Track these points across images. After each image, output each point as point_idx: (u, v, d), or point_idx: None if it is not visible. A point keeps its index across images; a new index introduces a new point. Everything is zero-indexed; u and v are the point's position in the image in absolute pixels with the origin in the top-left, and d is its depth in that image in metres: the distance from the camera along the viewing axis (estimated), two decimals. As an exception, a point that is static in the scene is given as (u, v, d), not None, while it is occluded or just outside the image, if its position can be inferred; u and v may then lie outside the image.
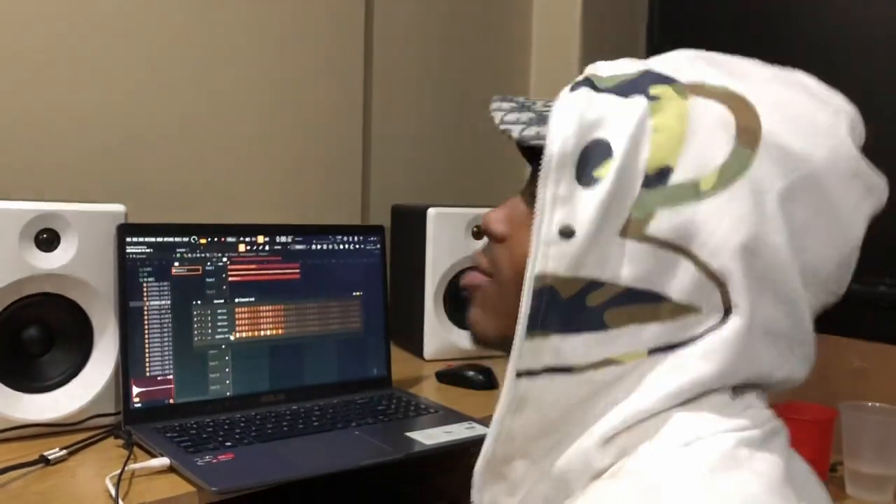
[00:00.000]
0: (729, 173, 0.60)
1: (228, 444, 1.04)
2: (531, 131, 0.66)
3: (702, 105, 0.61)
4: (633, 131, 0.60)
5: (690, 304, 0.61)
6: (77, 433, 1.07)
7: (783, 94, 0.64)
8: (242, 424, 1.11)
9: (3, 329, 1.06)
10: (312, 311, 1.28)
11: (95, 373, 1.12)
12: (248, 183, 1.62)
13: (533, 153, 0.69)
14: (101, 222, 1.11)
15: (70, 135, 1.38)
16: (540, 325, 0.61)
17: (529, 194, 0.68)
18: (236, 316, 1.20)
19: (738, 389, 0.64)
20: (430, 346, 1.58)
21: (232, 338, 1.20)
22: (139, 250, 1.13)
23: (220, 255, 1.19)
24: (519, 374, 0.63)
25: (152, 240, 1.14)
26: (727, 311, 0.61)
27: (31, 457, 0.97)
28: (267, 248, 1.24)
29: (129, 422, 1.09)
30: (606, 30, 2.11)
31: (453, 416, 1.20)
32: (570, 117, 0.62)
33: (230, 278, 1.20)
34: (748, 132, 0.60)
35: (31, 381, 1.09)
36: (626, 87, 0.63)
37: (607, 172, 0.60)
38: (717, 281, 0.60)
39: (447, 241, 1.58)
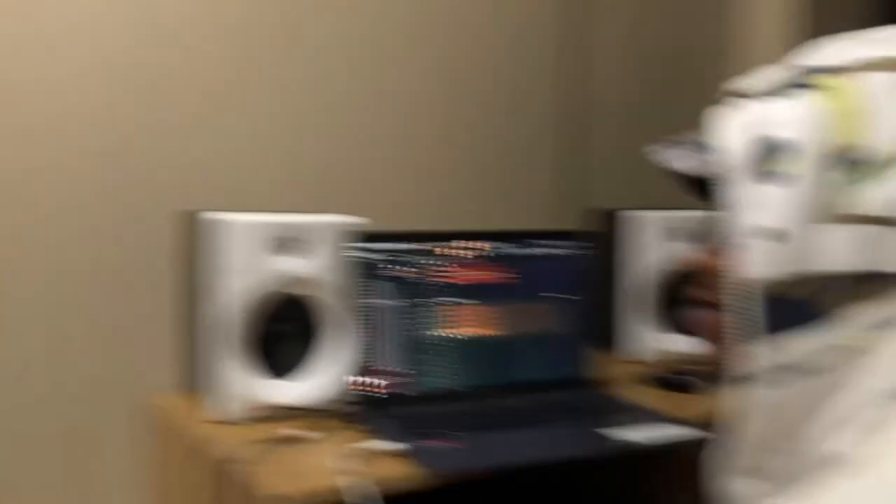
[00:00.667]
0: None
1: (454, 432, 1.13)
2: (693, 161, 0.68)
3: (872, 80, 0.61)
4: (812, 120, 0.61)
5: None
6: (317, 418, 1.20)
7: None
8: (465, 415, 1.20)
9: (256, 323, 1.21)
10: (524, 313, 1.35)
11: (333, 364, 1.25)
12: (467, 190, 1.72)
13: (700, 185, 0.71)
14: (338, 232, 1.24)
15: (310, 152, 1.54)
16: (765, 329, 0.62)
17: (718, 216, 0.68)
18: (458, 315, 1.30)
19: None
20: (638, 348, 1.61)
21: (454, 335, 1.29)
22: (370, 255, 1.25)
23: (442, 259, 1.30)
24: (749, 379, 0.63)
25: (384, 246, 1.26)
26: None
27: (280, 435, 1.11)
28: (484, 253, 1.33)
29: (364, 409, 1.21)
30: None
31: (660, 418, 1.23)
32: (734, 125, 0.63)
33: (452, 280, 1.30)
34: None
35: (278, 369, 1.23)
36: (785, 89, 0.64)
37: (796, 165, 0.60)
38: None
39: (649, 244, 1.60)
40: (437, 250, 1.30)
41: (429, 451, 1.05)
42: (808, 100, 0.62)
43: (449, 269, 1.30)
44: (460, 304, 1.30)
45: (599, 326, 1.73)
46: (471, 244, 1.32)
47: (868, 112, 0.60)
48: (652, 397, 1.37)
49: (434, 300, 1.29)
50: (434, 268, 1.29)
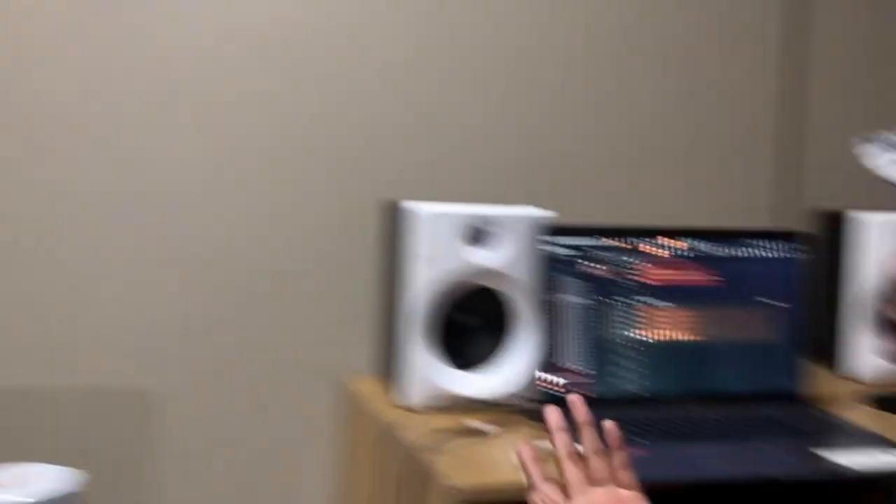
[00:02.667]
0: None
1: (642, 440, 1.07)
2: None
3: None
4: None
5: None
6: (500, 412, 1.18)
7: None
8: (655, 422, 1.14)
9: (446, 314, 1.22)
10: (727, 318, 1.26)
11: (518, 359, 1.23)
12: (663, 186, 1.64)
13: None
14: (529, 224, 1.22)
15: (501, 145, 1.53)
16: None
17: None
18: (651, 317, 1.23)
19: None
20: (864, 367, 1.45)
21: (646, 338, 1.23)
22: (560, 250, 1.21)
23: (637, 257, 1.24)
24: None
25: (573, 241, 1.22)
26: None
27: (461, 426, 1.10)
28: (684, 252, 1.25)
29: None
30: None
31: (880, 442, 1.10)
32: None
33: (646, 280, 1.23)
34: None
35: (465, 360, 1.23)
36: None
37: None
38: None
39: (876, 250, 1.44)
40: (633, 247, 1.24)
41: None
42: None
43: (644, 267, 1.24)
44: (654, 305, 1.23)
45: (815, 338, 1.58)
46: (669, 241, 1.25)
47: None
48: (872, 419, 1.23)
49: (626, 299, 1.23)
50: (628, 265, 1.23)
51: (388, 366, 1.29)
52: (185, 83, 1.36)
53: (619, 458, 0.78)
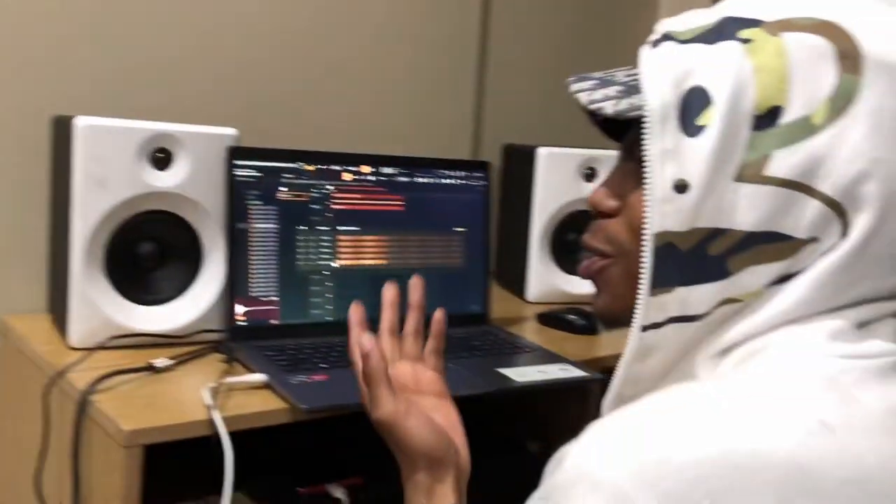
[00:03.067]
0: (839, 103, 0.59)
1: (324, 366, 1.06)
2: (625, 103, 0.66)
3: (796, 40, 0.60)
4: (734, 75, 0.60)
5: (811, 237, 0.61)
6: (183, 346, 1.11)
7: (872, 11, 0.61)
8: (339, 349, 1.13)
9: (120, 243, 1.11)
10: (414, 244, 1.28)
11: (203, 290, 1.16)
12: (359, 113, 1.62)
13: (618, 127, 0.71)
14: (214, 144, 1.14)
15: (189, 59, 1.42)
16: (663, 281, 0.62)
17: (630, 161, 0.69)
18: (339, 244, 1.22)
19: (864, 323, 0.62)
20: (535, 288, 1.56)
21: (335, 264, 1.21)
22: (247, 173, 1.15)
23: (325, 182, 1.21)
24: (644, 328, 0.64)
25: (260, 164, 1.16)
26: (843, 235, 0.61)
27: (140, 364, 1.02)
28: (372, 178, 1.24)
29: (232, 339, 1.13)
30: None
31: (550, 357, 1.18)
32: (662, 71, 0.62)
33: (334, 206, 1.21)
34: (849, 58, 0.59)
35: (144, 293, 1.14)
36: (711, 36, 0.62)
37: (712, 119, 0.59)
38: (839, 210, 0.60)
39: (557, 183, 1.54)
40: (321, 171, 1.21)
41: (293, 386, 0.98)
42: (730, 51, 0.61)
43: (331, 192, 1.21)
44: (341, 231, 1.22)
45: (501, 264, 1.68)
46: (357, 167, 1.23)
47: (785, 72, 0.59)
48: (548, 337, 1.33)
49: (313, 226, 1.20)
50: (315, 191, 1.20)
51: (58, 303, 1.16)
52: None
53: (434, 343, 0.90)
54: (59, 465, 1.00)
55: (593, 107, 0.67)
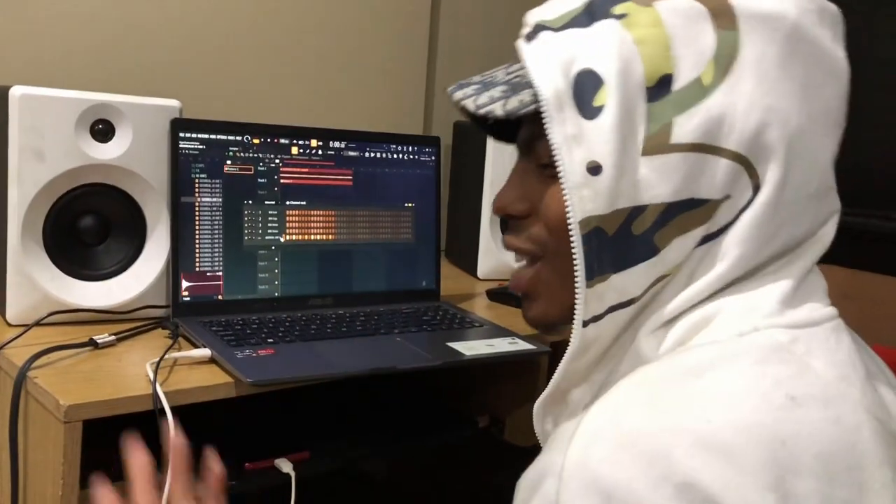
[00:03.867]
0: (724, 60, 0.60)
1: (270, 340, 1.05)
2: (514, 102, 0.64)
3: (668, 7, 0.61)
4: (618, 51, 0.60)
5: (726, 195, 0.61)
6: (126, 322, 1.09)
7: None
8: (287, 324, 1.12)
9: (60, 217, 1.08)
10: (364, 219, 1.27)
11: (147, 265, 1.14)
12: (308, 88, 1.61)
13: (508, 128, 0.69)
14: (156, 116, 1.11)
15: (132, 30, 1.39)
16: (598, 270, 0.61)
17: (527, 160, 0.68)
18: (287, 218, 1.20)
19: (801, 280, 0.64)
20: (485, 265, 1.57)
21: (282, 239, 1.20)
22: (192, 146, 1.13)
23: (272, 156, 1.19)
24: (586, 323, 0.63)
25: (205, 136, 1.14)
26: (756, 189, 0.62)
27: (81, 340, 1.00)
28: (320, 152, 1.23)
29: (177, 314, 1.11)
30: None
31: (498, 332, 1.19)
32: (548, 61, 0.61)
33: (282, 180, 1.20)
34: (723, 15, 0.60)
35: (86, 268, 1.11)
36: (584, 18, 0.62)
37: (607, 98, 0.59)
38: (747, 164, 0.61)
39: (508, 161, 1.54)
40: (268, 144, 1.19)
41: (237, 360, 0.97)
42: (609, 29, 0.61)
43: (279, 166, 1.20)
44: (288, 205, 1.21)
45: (452, 241, 1.68)
46: (305, 141, 1.22)
47: (666, 40, 0.60)
48: (499, 313, 1.33)
49: (259, 200, 1.18)
50: (262, 164, 1.19)
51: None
52: None
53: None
54: (-5, 444, 0.97)
55: (482, 111, 0.65)
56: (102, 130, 1.08)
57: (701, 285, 0.62)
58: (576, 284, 0.62)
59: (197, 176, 1.14)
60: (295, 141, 1.21)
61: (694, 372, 0.57)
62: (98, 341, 1.01)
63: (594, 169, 0.59)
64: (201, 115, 1.17)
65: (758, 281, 0.62)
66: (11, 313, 1.05)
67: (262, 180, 1.18)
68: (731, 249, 0.62)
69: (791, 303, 0.61)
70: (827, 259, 0.66)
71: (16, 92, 1.02)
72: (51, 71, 1.29)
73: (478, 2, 1.84)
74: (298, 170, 1.21)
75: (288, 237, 1.20)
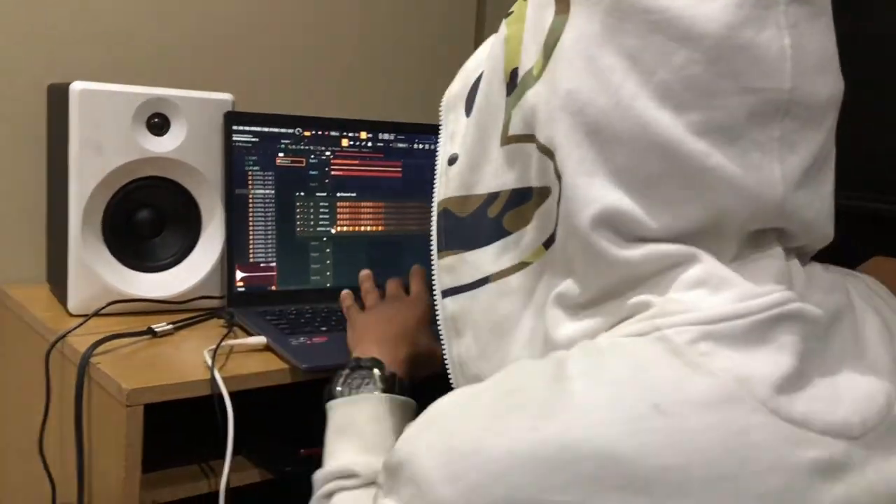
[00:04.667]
0: (549, 48, 0.59)
1: (323, 329, 1.06)
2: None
3: (531, 1, 0.62)
4: (490, 51, 0.65)
5: (545, 186, 0.60)
6: (182, 312, 1.11)
7: None
8: (339, 314, 1.13)
9: (118, 209, 1.11)
10: (412, 211, 1.28)
11: (203, 256, 1.16)
12: (358, 80, 1.62)
13: None
14: (210, 109, 1.13)
15: (183, 24, 1.41)
16: (446, 244, 0.68)
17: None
18: (337, 210, 1.21)
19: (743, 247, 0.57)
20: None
21: (333, 231, 1.21)
22: (245, 139, 1.15)
23: (323, 148, 1.20)
24: (444, 294, 0.69)
25: (258, 129, 1.16)
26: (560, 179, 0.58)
27: (139, 329, 1.02)
28: (370, 144, 1.24)
29: (232, 304, 1.13)
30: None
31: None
32: (461, 71, 0.71)
33: (332, 172, 1.21)
34: (562, 0, 0.59)
35: (143, 260, 1.14)
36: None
37: (477, 96, 0.66)
38: (548, 152, 0.59)
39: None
40: (319, 137, 1.20)
41: (293, 347, 0.98)
42: (500, 27, 0.65)
43: (329, 158, 1.21)
44: (338, 197, 1.22)
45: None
46: (355, 133, 1.23)
47: (522, 33, 0.61)
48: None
49: (310, 192, 1.20)
50: (314, 156, 1.20)
51: (57, 271, 1.16)
52: None
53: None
54: (60, 428, 1.00)
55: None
56: (158, 124, 1.11)
57: (589, 284, 0.58)
58: (433, 259, 0.69)
59: (250, 168, 1.15)
60: (345, 133, 1.22)
61: (565, 378, 0.53)
62: (156, 330, 1.03)
63: (451, 160, 0.67)
64: (253, 108, 1.19)
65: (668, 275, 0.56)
66: (73, 304, 1.08)
67: (314, 172, 1.20)
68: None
69: (711, 295, 0.54)
70: (886, 250, 0.62)
71: (76, 87, 1.05)
72: (105, 67, 1.31)
73: None
74: (349, 161, 1.22)
75: (339, 228, 1.22)
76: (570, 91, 0.56)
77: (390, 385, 0.82)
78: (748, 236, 0.57)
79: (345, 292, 1.04)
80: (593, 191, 0.55)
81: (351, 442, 0.78)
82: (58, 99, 1.12)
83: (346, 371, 0.84)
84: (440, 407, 0.58)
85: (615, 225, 0.55)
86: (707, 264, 0.55)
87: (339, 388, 0.82)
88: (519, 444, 0.50)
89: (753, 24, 0.52)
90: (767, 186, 0.54)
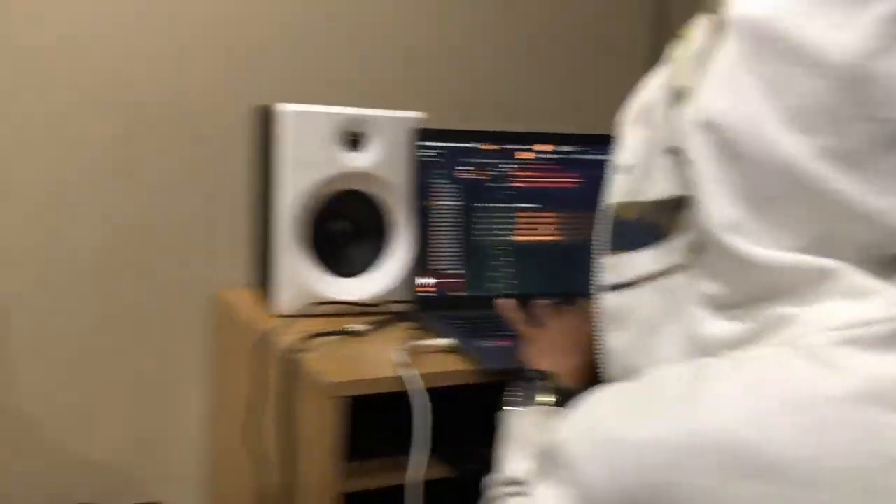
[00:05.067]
0: (703, 68, 0.62)
1: (508, 333, 1.11)
2: None
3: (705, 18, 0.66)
4: (665, 69, 0.70)
5: (691, 196, 0.63)
6: (373, 315, 1.19)
7: None
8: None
9: (319, 220, 1.21)
10: (590, 221, 1.30)
11: (393, 263, 1.24)
12: (535, 91, 1.66)
13: None
14: (401, 126, 1.22)
15: (376, 46, 1.51)
16: (612, 245, 0.71)
17: None
18: (517, 220, 1.26)
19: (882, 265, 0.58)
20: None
21: (513, 240, 1.26)
22: (432, 153, 1.22)
23: (503, 161, 1.26)
24: (603, 290, 0.72)
25: (444, 144, 1.22)
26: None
27: (336, 329, 1.11)
28: (548, 155, 1.28)
29: (420, 308, 1.20)
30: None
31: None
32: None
33: (512, 183, 1.26)
34: (721, 22, 0.62)
35: (339, 266, 1.23)
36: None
37: (652, 109, 0.70)
38: (690, 165, 0.62)
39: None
40: (502, 150, 1.25)
41: (480, 349, 1.03)
42: (674, 48, 0.69)
43: (513, 170, 1.26)
44: (521, 207, 1.26)
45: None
46: (536, 145, 1.27)
47: (688, 54, 0.66)
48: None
49: (494, 202, 1.25)
50: (497, 169, 1.25)
51: (263, 276, 1.27)
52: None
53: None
54: (265, 419, 1.10)
55: None
56: (355, 141, 1.20)
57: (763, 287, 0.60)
58: (594, 258, 0.74)
59: (435, 181, 1.22)
60: (524, 146, 1.27)
61: (710, 374, 0.58)
62: (354, 330, 1.11)
63: (624, 168, 0.72)
64: (438, 124, 1.26)
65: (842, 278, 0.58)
66: (280, 305, 1.19)
67: (494, 184, 1.25)
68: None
69: (857, 303, 0.57)
70: None
71: (286, 108, 1.16)
72: (299, 90, 1.43)
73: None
74: (528, 173, 1.27)
75: (519, 238, 1.26)
76: (710, 109, 0.61)
77: (563, 396, 0.86)
78: (883, 261, 0.59)
79: (503, 301, 1.14)
80: (719, 204, 0.60)
81: (521, 450, 0.82)
82: (264, 119, 1.24)
83: (521, 382, 0.89)
84: (592, 400, 0.64)
85: (742, 235, 0.60)
86: (853, 276, 0.58)
87: (513, 398, 0.87)
88: (658, 432, 0.56)
89: (884, 54, 0.55)
90: (892, 212, 0.57)
